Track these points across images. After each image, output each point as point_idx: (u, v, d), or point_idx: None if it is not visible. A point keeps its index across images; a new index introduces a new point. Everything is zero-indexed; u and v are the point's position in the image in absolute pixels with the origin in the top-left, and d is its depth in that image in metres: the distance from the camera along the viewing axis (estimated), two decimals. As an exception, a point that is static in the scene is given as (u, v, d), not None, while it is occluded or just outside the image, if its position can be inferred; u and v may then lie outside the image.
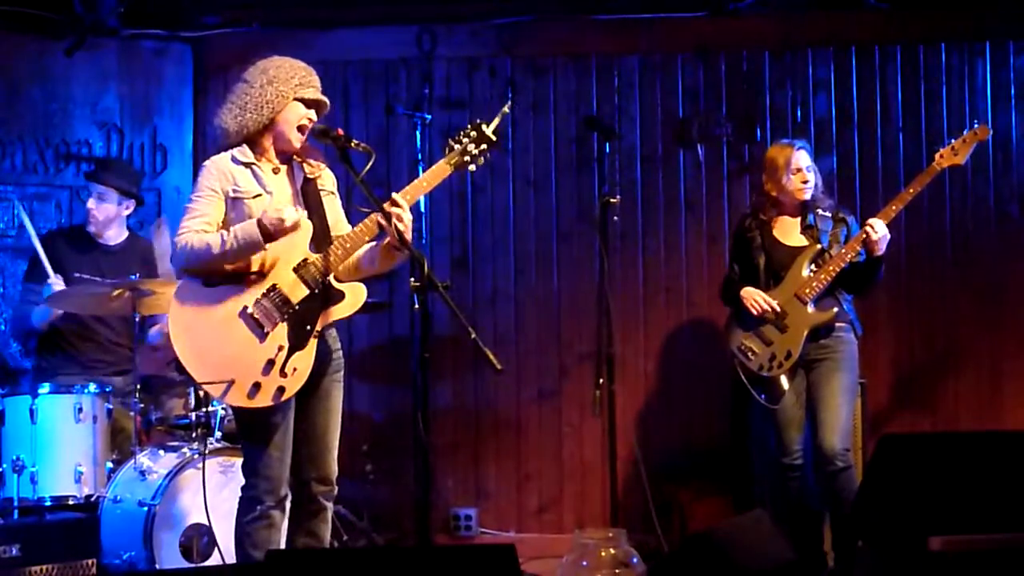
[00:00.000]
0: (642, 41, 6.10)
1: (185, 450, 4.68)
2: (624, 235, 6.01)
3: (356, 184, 3.83)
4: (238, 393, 3.74)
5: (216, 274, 3.79)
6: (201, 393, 4.80)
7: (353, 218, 4.04)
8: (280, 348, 3.78)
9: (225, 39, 6.15)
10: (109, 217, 5.20)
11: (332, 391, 3.98)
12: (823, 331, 4.87)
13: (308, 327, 3.81)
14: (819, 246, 4.91)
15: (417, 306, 5.29)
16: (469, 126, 3.94)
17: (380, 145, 5.95)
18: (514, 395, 6.10)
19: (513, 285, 6.13)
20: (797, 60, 6.06)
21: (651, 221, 6.09)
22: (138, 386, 4.75)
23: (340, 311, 3.89)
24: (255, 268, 3.81)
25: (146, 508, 4.49)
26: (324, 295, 3.85)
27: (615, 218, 5.48)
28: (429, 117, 5.83)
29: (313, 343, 3.83)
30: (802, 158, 4.95)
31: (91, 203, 5.17)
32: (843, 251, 4.84)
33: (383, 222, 3.77)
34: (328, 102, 3.95)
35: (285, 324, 3.79)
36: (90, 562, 4.44)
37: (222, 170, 3.85)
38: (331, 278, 3.87)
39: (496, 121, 3.96)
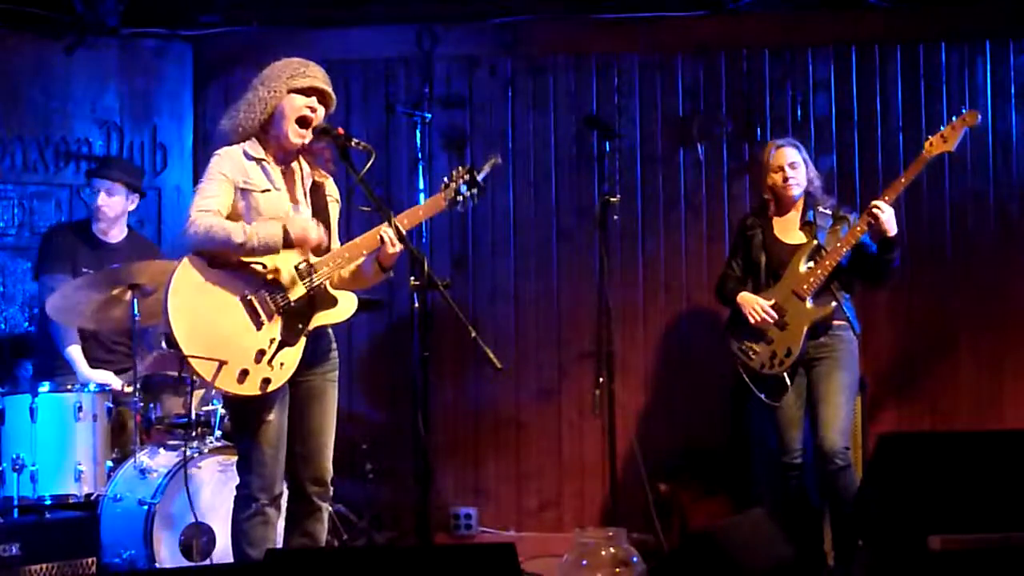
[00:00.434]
0: (642, 40, 6.10)
1: (185, 449, 4.68)
2: (624, 234, 6.01)
3: (356, 183, 3.85)
4: (227, 377, 3.73)
5: (224, 259, 3.80)
6: (201, 393, 4.81)
7: (353, 218, 4.05)
8: (272, 341, 3.79)
9: (225, 38, 6.15)
10: (118, 212, 5.21)
11: (327, 390, 3.99)
12: (822, 329, 4.87)
13: (300, 326, 3.84)
14: (816, 242, 4.91)
15: (417, 305, 5.31)
16: (462, 168, 4.03)
17: (380, 144, 5.96)
18: (514, 394, 6.10)
19: (513, 284, 6.13)
20: (797, 59, 6.06)
21: (651, 220, 6.08)
22: (138, 385, 4.75)
23: (331, 316, 3.92)
24: (258, 260, 3.83)
25: (146, 507, 4.49)
26: (319, 298, 3.88)
27: (615, 217, 5.48)
28: (429, 116, 5.83)
29: (303, 342, 3.85)
30: (783, 156, 4.97)
31: (102, 198, 5.16)
32: (839, 245, 4.84)
33: (386, 235, 3.81)
34: (330, 92, 3.93)
35: (280, 319, 3.81)
36: (90, 561, 4.44)
37: (234, 160, 3.86)
38: (327, 283, 3.90)
39: (485, 170, 4.06)
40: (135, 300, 4.72)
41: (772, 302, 4.91)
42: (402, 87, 6.15)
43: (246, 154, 3.88)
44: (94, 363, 5.10)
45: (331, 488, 4.02)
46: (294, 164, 3.96)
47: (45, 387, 4.73)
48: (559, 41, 6.16)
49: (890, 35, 6.02)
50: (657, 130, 6.10)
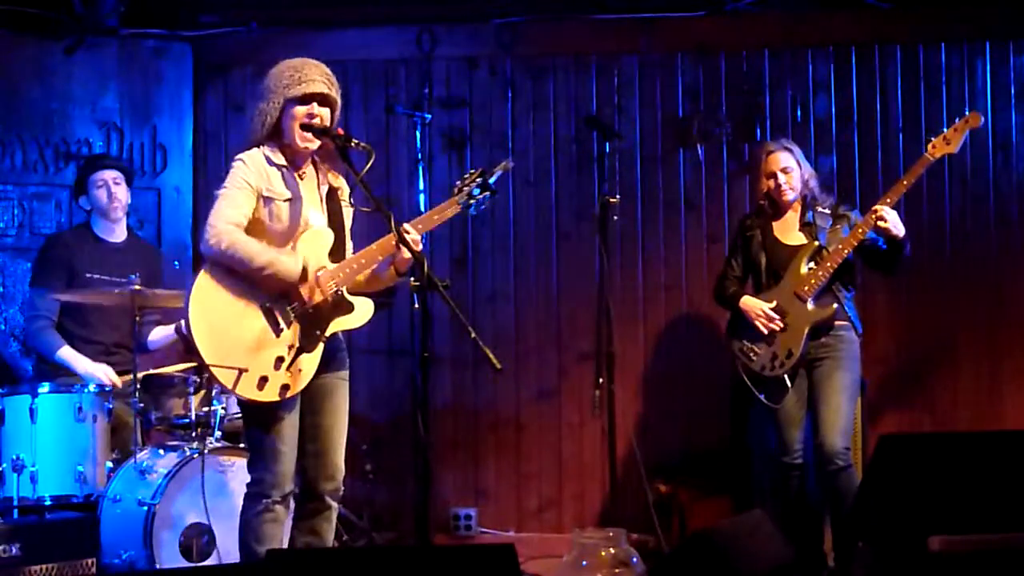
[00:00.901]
0: (642, 41, 6.10)
1: (185, 449, 4.68)
2: (624, 235, 6.01)
3: (356, 183, 3.86)
4: (247, 383, 3.77)
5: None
6: (201, 394, 4.81)
7: (354, 219, 4.07)
8: (291, 347, 3.84)
9: (225, 39, 6.16)
10: (126, 203, 5.22)
11: (337, 389, 4.01)
12: (823, 329, 4.87)
13: (318, 332, 3.88)
14: (816, 243, 4.91)
15: (417, 305, 5.30)
16: (474, 171, 4.07)
17: (380, 145, 5.96)
18: (514, 394, 6.10)
19: (513, 285, 6.13)
20: (797, 60, 6.06)
21: (651, 221, 6.09)
22: (138, 385, 4.74)
23: (348, 322, 3.96)
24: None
25: (146, 507, 4.49)
26: (336, 304, 3.91)
27: (615, 218, 5.48)
28: (429, 117, 5.83)
29: (320, 348, 3.89)
30: (775, 161, 4.97)
31: (114, 189, 5.16)
32: (840, 246, 4.84)
33: (400, 245, 3.83)
34: (330, 92, 3.91)
35: (298, 326, 3.85)
36: (90, 561, 4.44)
37: (258, 167, 3.87)
38: (344, 289, 3.92)
39: (497, 173, 4.08)
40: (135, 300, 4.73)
41: (773, 303, 4.91)
42: (402, 88, 6.15)
43: (268, 160, 3.89)
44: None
45: (342, 487, 4.04)
46: (310, 169, 3.98)
47: (45, 387, 4.72)
48: (559, 42, 6.16)
49: (890, 36, 6.02)
50: (657, 130, 6.10)
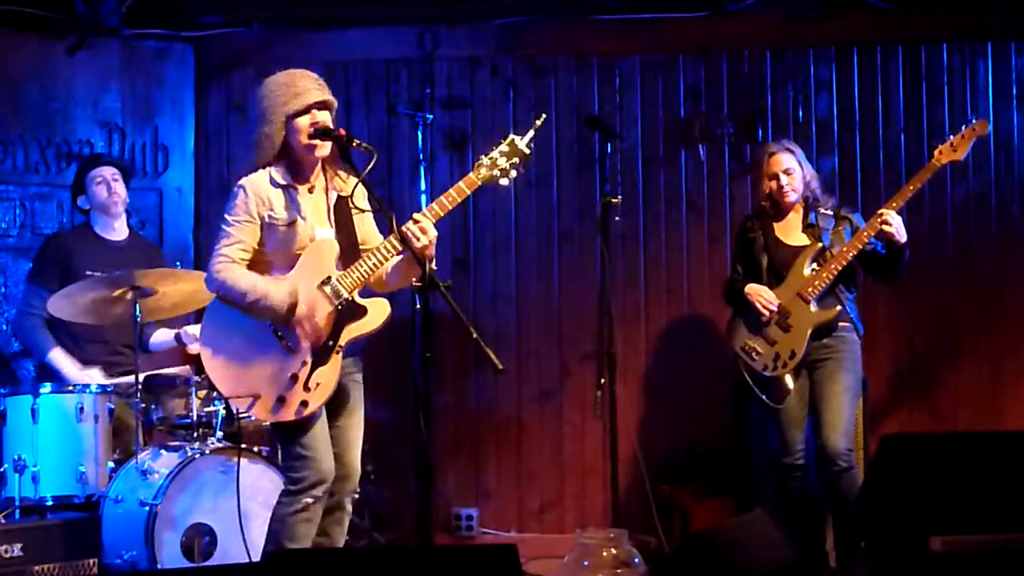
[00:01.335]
0: (643, 41, 6.10)
1: (186, 450, 4.68)
2: (625, 235, 6.00)
3: (357, 184, 3.85)
4: (262, 408, 3.84)
5: None
6: (202, 394, 4.82)
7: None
8: (304, 363, 3.85)
9: (227, 39, 6.16)
10: (125, 200, 5.23)
11: (352, 390, 4.04)
12: (825, 330, 4.87)
13: (330, 343, 3.88)
14: (820, 244, 4.91)
15: (419, 306, 5.30)
16: (502, 140, 3.96)
17: (381, 145, 5.96)
18: (515, 395, 6.10)
19: (514, 285, 6.13)
20: (798, 60, 6.06)
21: (652, 221, 6.08)
22: (139, 386, 4.74)
23: (362, 327, 3.94)
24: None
25: (147, 508, 4.49)
26: (347, 311, 3.90)
27: (616, 218, 5.48)
28: (431, 117, 5.83)
29: (337, 359, 3.90)
30: (776, 163, 4.96)
31: (113, 187, 5.17)
32: (844, 249, 4.84)
33: (401, 241, 3.81)
34: (326, 97, 3.91)
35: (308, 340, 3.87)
36: (91, 562, 4.44)
37: (259, 194, 3.88)
38: (354, 295, 3.91)
39: (530, 133, 3.97)
40: (136, 301, 4.72)
41: (777, 304, 4.90)
42: (404, 88, 6.15)
43: (272, 181, 3.90)
44: (100, 366, 5.08)
45: (358, 488, 4.08)
46: (316, 181, 3.97)
47: (47, 388, 4.72)
48: (560, 42, 6.16)
49: (892, 36, 6.02)
50: (658, 131, 6.10)
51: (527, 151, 3.95)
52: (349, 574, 3.21)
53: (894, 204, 4.81)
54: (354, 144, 3.84)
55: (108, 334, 5.11)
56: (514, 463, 6.10)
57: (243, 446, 4.77)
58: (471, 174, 3.94)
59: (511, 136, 3.96)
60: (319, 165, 3.97)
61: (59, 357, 5.02)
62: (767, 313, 4.87)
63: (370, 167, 3.82)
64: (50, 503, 4.62)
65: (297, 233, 3.89)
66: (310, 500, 3.87)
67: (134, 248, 5.27)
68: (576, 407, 6.04)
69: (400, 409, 5.96)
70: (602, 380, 5.38)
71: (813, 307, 4.86)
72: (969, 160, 5.67)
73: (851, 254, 4.82)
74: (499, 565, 3.20)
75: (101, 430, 4.73)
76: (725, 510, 5.52)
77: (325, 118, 3.89)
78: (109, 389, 4.85)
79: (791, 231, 5.01)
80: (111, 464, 4.74)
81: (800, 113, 6.03)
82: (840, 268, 4.83)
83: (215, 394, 4.80)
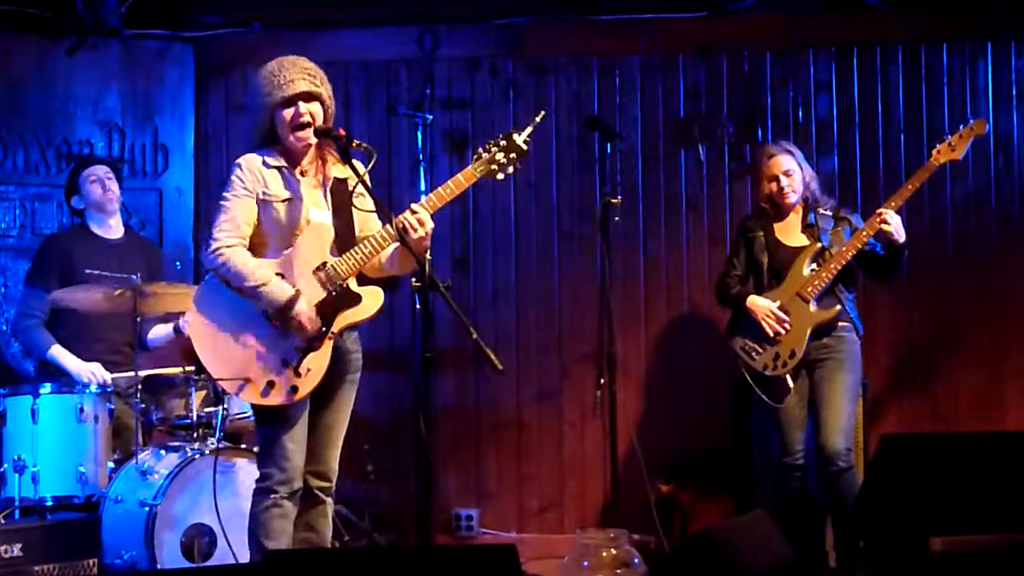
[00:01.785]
0: (643, 41, 6.10)
1: (186, 450, 4.68)
2: (625, 235, 6.00)
3: (357, 183, 3.85)
4: (252, 391, 3.81)
5: None
6: (202, 394, 4.82)
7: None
8: (296, 348, 3.83)
9: (226, 39, 6.16)
10: (119, 198, 5.23)
11: (344, 391, 4.02)
12: (825, 330, 4.87)
13: (323, 328, 3.86)
14: (819, 245, 4.92)
15: (418, 306, 5.30)
16: (500, 135, 3.95)
17: (381, 145, 5.96)
18: (515, 395, 6.10)
19: (514, 285, 6.13)
20: (798, 60, 6.06)
21: (652, 221, 6.08)
22: (139, 386, 4.74)
23: (357, 314, 3.92)
24: (277, 271, 3.85)
25: (147, 508, 4.49)
26: (341, 298, 3.89)
27: (616, 218, 5.48)
28: (430, 117, 5.82)
29: (329, 344, 3.87)
30: (776, 165, 4.96)
31: (108, 185, 5.18)
32: (844, 249, 4.84)
33: (395, 230, 3.79)
34: (314, 89, 3.87)
35: None
36: (91, 562, 4.44)
37: (254, 171, 3.89)
38: (350, 281, 3.90)
39: (528, 130, 3.96)
40: (136, 300, 4.73)
41: (777, 304, 4.91)
42: (403, 88, 6.15)
43: (265, 163, 3.90)
44: (103, 366, 5.08)
45: (333, 484, 4.04)
46: (312, 165, 3.96)
47: (47, 388, 4.72)
48: (560, 42, 6.16)
49: (891, 36, 6.02)
50: (658, 131, 6.10)
51: (525, 146, 3.94)
52: (349, 574, 3.21)
53: (893, 204, 4.81)
54: (354, 144, 3.84)
55: (108, 333, 5.11)
56: (514, 463, 6.10)
57: (243, 446, 4.78)
58: (469, 168, 3.94)
59: (509, 131, 3.96)
60: (312, 151, 3.95)
61: (60, 352, 5.02)
62: (781, 332, 4.86)
63: (370, 167, 3.83)
64: (50, 503, 4.62)
65: (292, 212, 3.87)
66: (279, 496, 3.86)
67: (132, 246, 5.27)
68: (576, 407, 6.04)
69: (400, 409, 5.96)
70: (602, 380, 5.39)
71: (813, 307, 4.86)
72: (969, 160, 5.69)
73: (850, 254, 4.83)
74: (499, 565, 3.20)
75: (101, 430, 4.73)
76: (725, 510, 5.52)
77: (313, 109, 3.87)
78: (109, 389, 4.85)
79: (790, 231, 5.01)
80: (111, 464, 4.75)
81: (800, 113, 6.03)
82: (839, 268, 4.83)
83: (213, 394, 4.80)
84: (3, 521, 4.54)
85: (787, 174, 4.96)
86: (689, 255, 6.06)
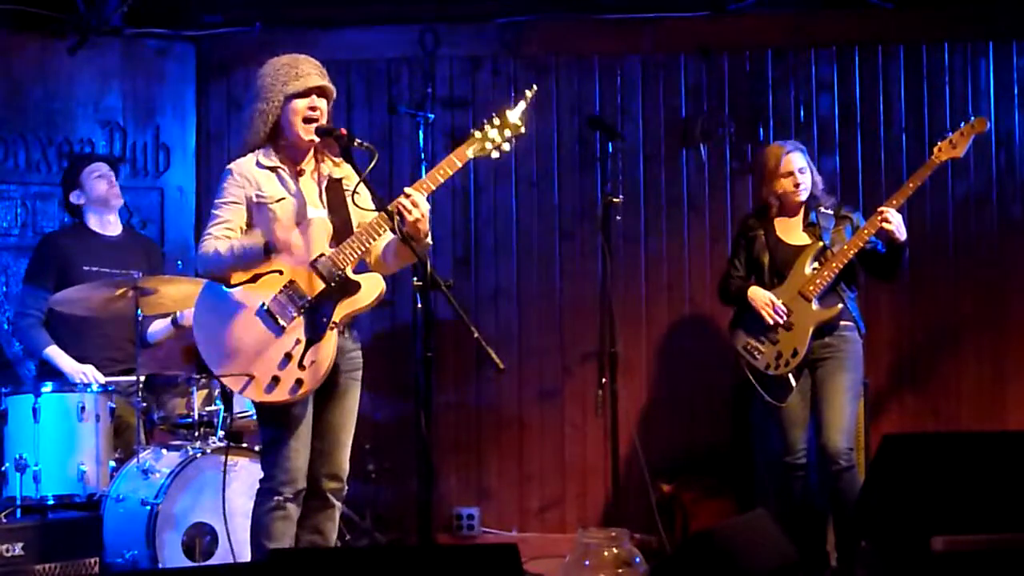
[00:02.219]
0: (645, 41, 6.10)
1: (188, 449, 4.68)
2: (627, 235, 6.00)
3: (359, 183, 3.85)
4: (256, 388, 3.80)
5: (234, 278, 3.86)
6: (203, 393, 4.82)
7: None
8: (298, 341, 3.82)
9: (228, 38, 6.16)
10: (119, 195, 5.24)
11: (349, 389, 4.01)
12: (827, 329, 4.87)
13: (324, 319, 3.84)
14: (821, 243, 4.91)
15: (420, 305, 5.30)
16: (494, 114, 3.92)
17: (383, 144, 5.97)
18: (516, 394, 6.10)
19: (515, 284, 6.13)
20: (800, 59, 6.06)
21: (654, 220, 6.08)
22: (141, 385, 4.74)
23: (357, 302, 3.90)
24: (274, 267, 3.85)
25: (149, 507, 4.49)
26: (340, 287, 3.87)
27: (618, 218, 5.48)
28: (432, 116, 5.82)
29: (332, 335, 3.86)
30: (793, 161, 4.96)
31: (112, 181, 5.19)
32: (845, 247, 4.84)
33: (386, 221, 3.78)
34: (327, 84, 3.91)
35: (301, 317, 3.83)
36: (93, 561, 4.44)
37: (245, 175, 3.89)
38: (348, 270, 3.89)
39: (521, 106, 3.91)
40: (137, 299, 4.73)
41: (785, 311, 4.90)
42: (405, 87, 6.15)
43: (259, 164, 3.90)
44: (103, 363, 5.08)
45: (346, 486, 4.03)
46: (307, 165, 3.96)
47: (48, 387, 4.73)
48: (562, 41, 6.16)
49: (893, 36, 6.02)
50: (660, 130, 6.10)
51: (519, 123, 3.90)
52: (350, 574, 3.21)
53: (894, 202, 4.81)
54: (355, 143, 3.84)
55: (108, 331, 5.11)
56: (515, 463, 6.10)
57: (244, 445, 4.78)
58: (462, 147, 3.90)
59: (502, 108, 3.92)
60: (311, 150, 3.95)
61: (55, 352, 5.02)
62: (780, 320, 4.86)
63: (371, 166, 3.83)
64: (51, 502, 4.62)
65: (287, 210, 3.87)
66: (281, 498, 3.85)
67: (131, 243, 5.27)
68: (577, 406, 6.04)
69: (401, 409, 5.96)
70: (603, 379, 5.39)
71: (814, 305, 4.86)
72: (970, 159, 5.70)
73: (852, 252, 4.83)
74: (500, 565, 3.20)
75: (102, 429, 4.73)
76: (726, 510, 5.52)
77: (323, 105, 3.89)
78: (110, 388, 4.85)
79: (792, 230, 5.01)
80: (112, 463, 4.75)
81: (801, 112, 6.03)
82: (841, 267, 4.83)
83: (216, 393, 4.80)
84: (4, 520, 4.54)
85: (802, 171, 4.96)
86: (690, 254, 6.06)
